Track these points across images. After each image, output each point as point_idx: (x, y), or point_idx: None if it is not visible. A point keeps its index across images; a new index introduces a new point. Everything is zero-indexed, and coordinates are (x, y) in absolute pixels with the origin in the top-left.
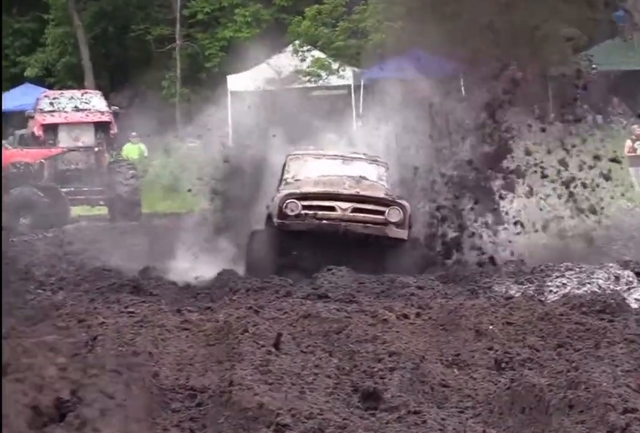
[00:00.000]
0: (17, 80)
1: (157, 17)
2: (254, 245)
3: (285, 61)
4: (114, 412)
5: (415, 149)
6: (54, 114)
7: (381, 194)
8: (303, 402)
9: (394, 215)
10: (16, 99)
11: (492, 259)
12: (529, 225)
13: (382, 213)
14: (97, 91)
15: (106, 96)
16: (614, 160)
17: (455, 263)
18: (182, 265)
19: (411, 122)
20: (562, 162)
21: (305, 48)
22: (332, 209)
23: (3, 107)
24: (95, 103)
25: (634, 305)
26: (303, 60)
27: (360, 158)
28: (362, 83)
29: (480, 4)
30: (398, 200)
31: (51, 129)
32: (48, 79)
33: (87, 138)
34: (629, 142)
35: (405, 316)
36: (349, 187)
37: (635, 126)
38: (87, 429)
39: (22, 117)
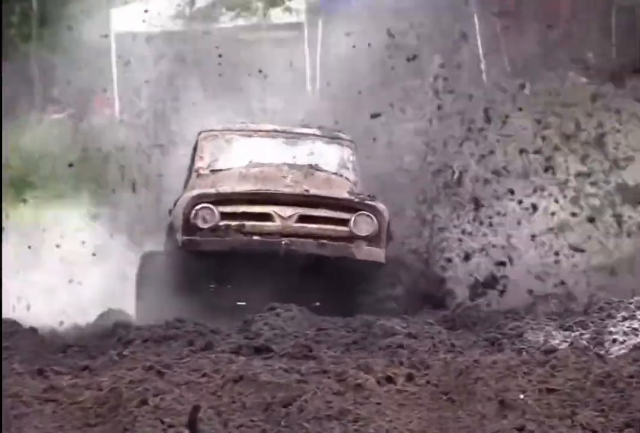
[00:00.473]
0: None
1: None
2: (144, 276)
3: None
4: None
5: (397, 121)
6: None
7: (344, 193)
8: None
9: (363, 225)
10: None
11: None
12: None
13: (345, 222)
14: None
15: None
16: None
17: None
18: (45, 302)
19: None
20: None
21: None
22: (267, 217)
23: None
24: None
25: None
26: None
27: (313, 135)
28: (320, 20)
29: None
30: (370, 202)
31: None
32: None
33: None
34: None
35: (390, 380)
36: (293, 183)
37: None
38: None
39: None
